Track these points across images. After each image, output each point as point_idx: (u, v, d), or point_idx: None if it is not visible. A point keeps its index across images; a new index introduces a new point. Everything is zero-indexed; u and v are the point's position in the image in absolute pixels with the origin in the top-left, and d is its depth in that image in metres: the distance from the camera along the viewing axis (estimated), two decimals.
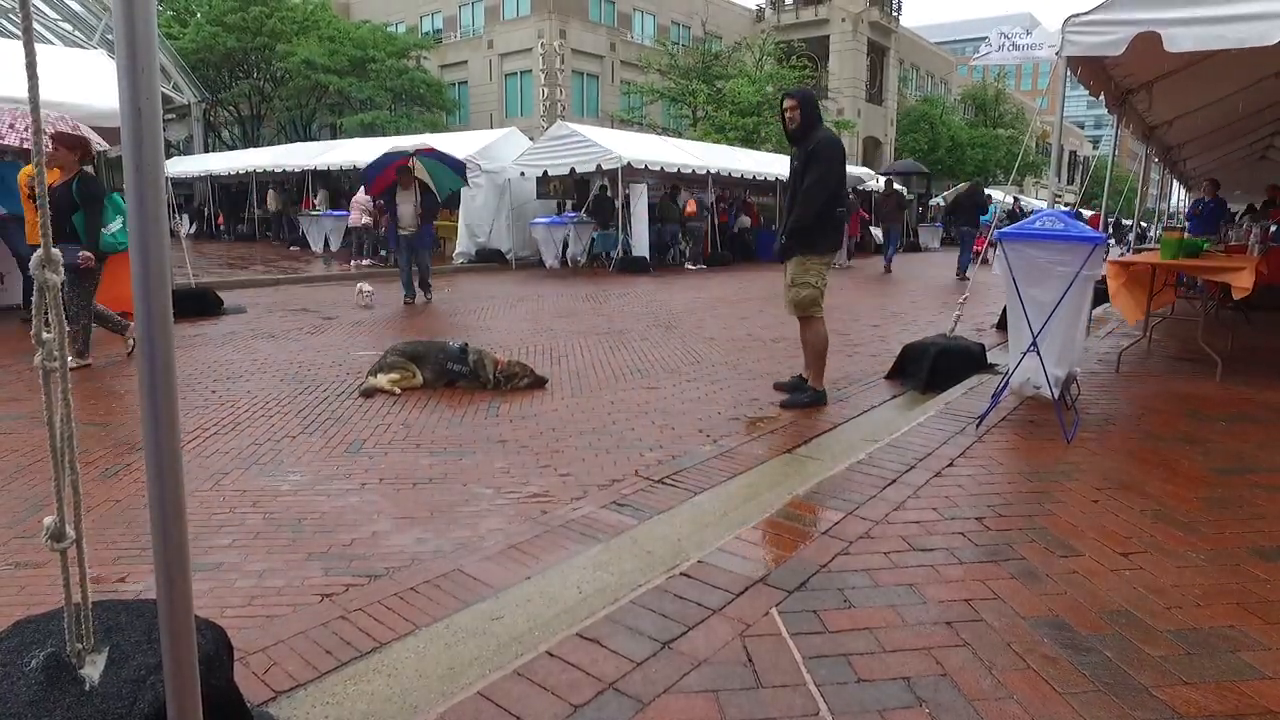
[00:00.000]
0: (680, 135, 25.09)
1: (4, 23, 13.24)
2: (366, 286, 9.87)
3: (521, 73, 32.40)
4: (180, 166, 22.94)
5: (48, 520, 1.48)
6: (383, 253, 15.57)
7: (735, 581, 2.50)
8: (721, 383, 5.70)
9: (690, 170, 16.74)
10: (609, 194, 16.86)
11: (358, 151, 18.54)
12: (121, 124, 1.19)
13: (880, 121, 40.53)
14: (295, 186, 21.02)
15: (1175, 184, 15.17)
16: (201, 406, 4.88)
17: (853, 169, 22.93)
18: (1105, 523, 3.00)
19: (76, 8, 13.29)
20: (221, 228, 23.65)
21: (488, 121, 30.80)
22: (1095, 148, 61.29)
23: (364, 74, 27.86)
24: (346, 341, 7.33)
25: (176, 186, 19.81)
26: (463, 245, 16.36)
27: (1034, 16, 58.84)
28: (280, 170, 20.55)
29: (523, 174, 16.45)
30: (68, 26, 13.54)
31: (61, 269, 1.37)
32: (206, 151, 25.97)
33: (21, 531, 2.98)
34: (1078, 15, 5.28)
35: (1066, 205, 11.45)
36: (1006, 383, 4.53)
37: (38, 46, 1.32)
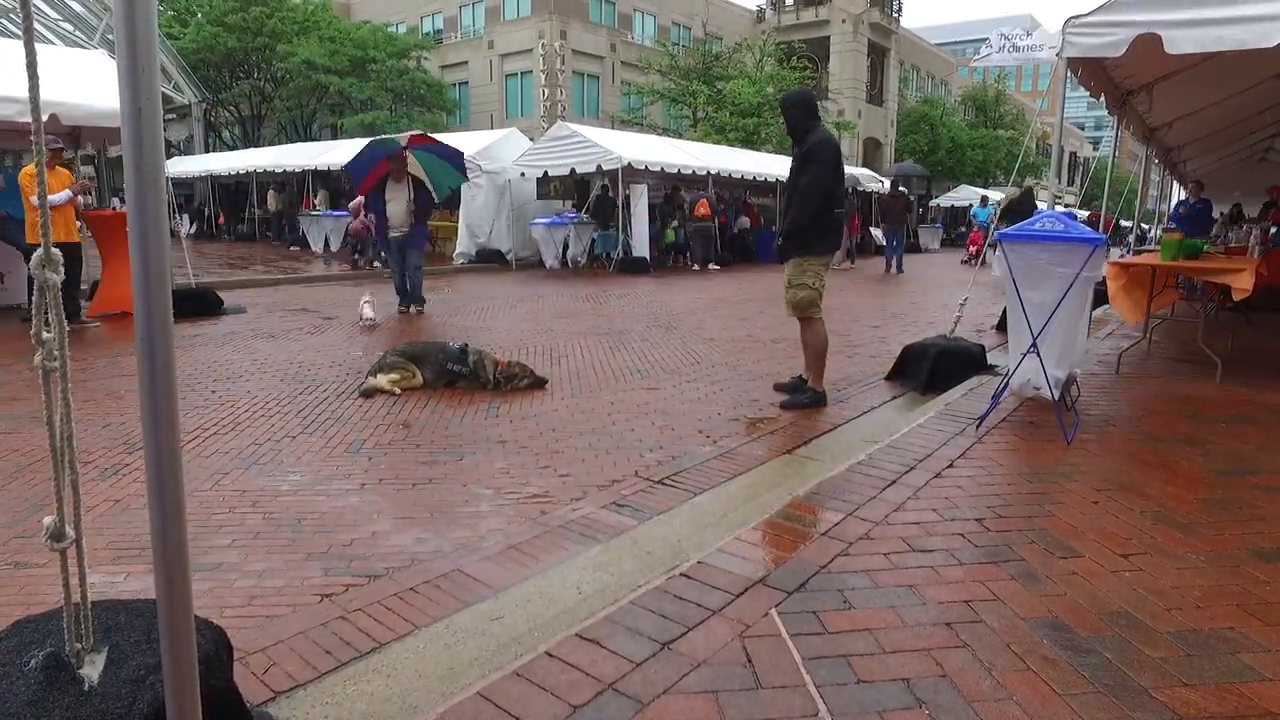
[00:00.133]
0: (680, 136, 25.11)
1: (4, 23, 13.25)
2: (369, 311, 8.26)
3: (522, 73, 32.39)
4: (180, 166, 22.97)
5: (47, 520, 1.48)
6: (356, 257, 15.25)
7: (735, 582, 2.49)
8: (721, 383, 5.70)
9: (690, 171, 16.76)
10: (610, 194, 16.87)
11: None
12: (122, 124, 1.19)
13: (880, 122, 40.53)
14: (295, 187, 21.04)
15: (1175, 185, 15.16)
16: (201, 406, 4.88)
17: (853, 170, 22.97)
18: (1105, 524, 3.00)
19: (77, 8, 13.31)
20: (222, 225, 23.66)
21: (488, 122, 30.80)
22: (1095, 149, 61.32)
23: (364, 74, 27.87)
24: (346, 342, 7.33)
25: (177, 186, 19.84)
26: (463, 245, 16.37)
27: (1034, 18, 58.85)
28: (280, 170, 20.57)
29: (523, 174, 16.47)
30: (68, 26, 13.55)
31: (61, 268, 1.38)
32: (207, 151, 26.01)
33: (21, 531, 2.97)
34: (1078, 17, 5.28)
35: (1066, 206, 11.46)
36: (1006, 384, 4.53)
37: (38, 46, 1.32)
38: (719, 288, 12.90)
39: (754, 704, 1.89)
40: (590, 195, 17.45)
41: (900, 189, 18.14)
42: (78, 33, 13.43)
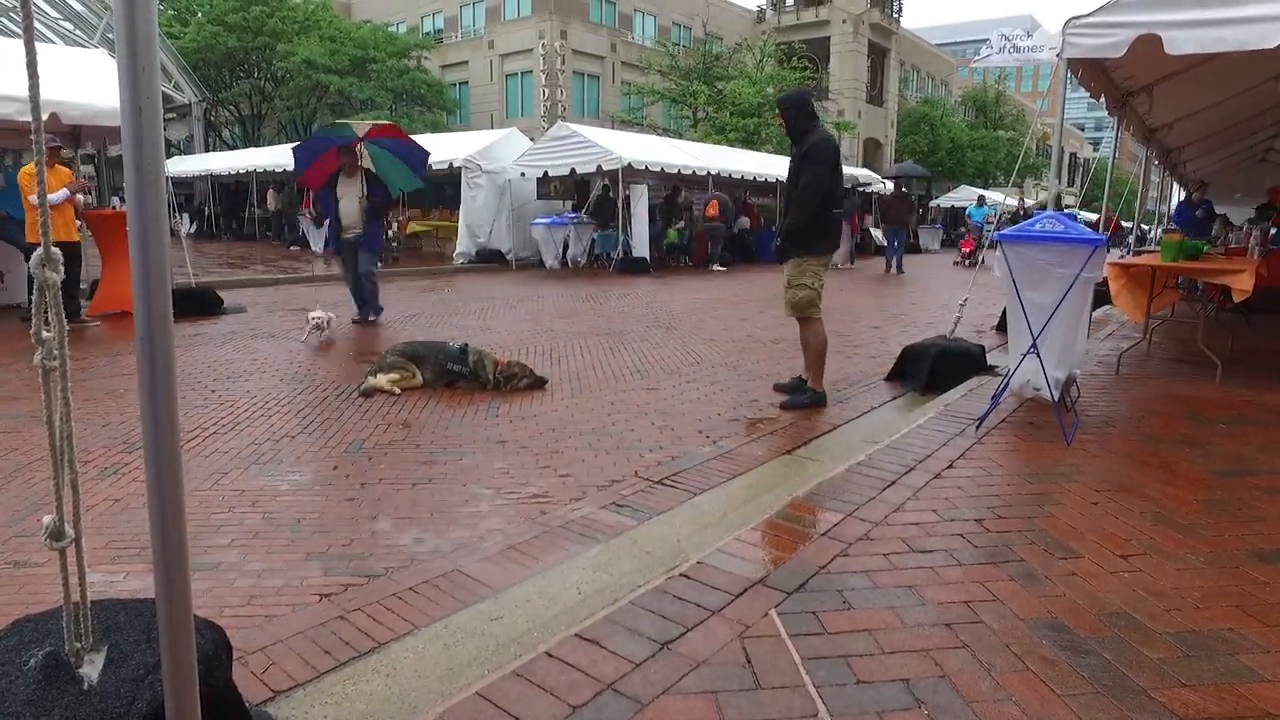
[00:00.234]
0: (681, 136, 25.11)
1: (5, 21, 13.24)
2: (319, 312, 7.11)
3: (522, 73, 32.39)
4: (180, 166, 22.96)
5: (47, 519, 1.48)
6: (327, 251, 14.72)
7: (734, 583, 2.49)
8: (721, 384, 5.70)
9: (690, 171, 16.76)
10: (610, 194, 16.88)
11: None
12: (122, 123, 1.19)
13: (881, 123, 40.54)
14: (295, 186, 21.01)
15: (1175, 186, 15.16)
16: (201, 406, 4.88)
17: (854, 170, 22.98)
18: (1104, 525, 3.00)
19: (78, 7, 13.31)
20: (224, 223, 23.65)
21: (488, 122, 30.81)
22: (1095, 150, 61.32)
23: (365, 74, 27.87)
24: (347, 342, 7.33)
25: (177, 186, 19.82)
26: (463, 245, 16.37)
27: (1035, 18, 58.89)
28: (280, 170, 20.53)
29: (523, 174, 16.46)
30: (69, 25, 13.56)
31: (61, 268, 1.38)
32: (207, 151, 25.98)
33: (21, 530, 2.97)
34: (1078, 17, 5.28)
35: (1067, 208, 11.46)
36: (1006, 384, 4.53)
37: (38, 45, 1.32)
38: (719, 288, 12.90)
39: (753, 704, 1.89)
40: (591, 195, 17.45)
41: (904, 190, 18.18)
42: (78, 31, 13.44)
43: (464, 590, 2.58)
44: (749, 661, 2.07)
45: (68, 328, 1.42)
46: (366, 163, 8.27)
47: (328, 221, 8.48)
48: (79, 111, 7.58)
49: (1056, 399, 4.32)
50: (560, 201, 17.87)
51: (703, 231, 17.38)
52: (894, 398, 5.46)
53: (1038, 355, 4.20)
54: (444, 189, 18.47)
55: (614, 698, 1.92)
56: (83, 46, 12.01)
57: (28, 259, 1.63)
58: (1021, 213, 19.33)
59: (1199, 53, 4.94)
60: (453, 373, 5.42)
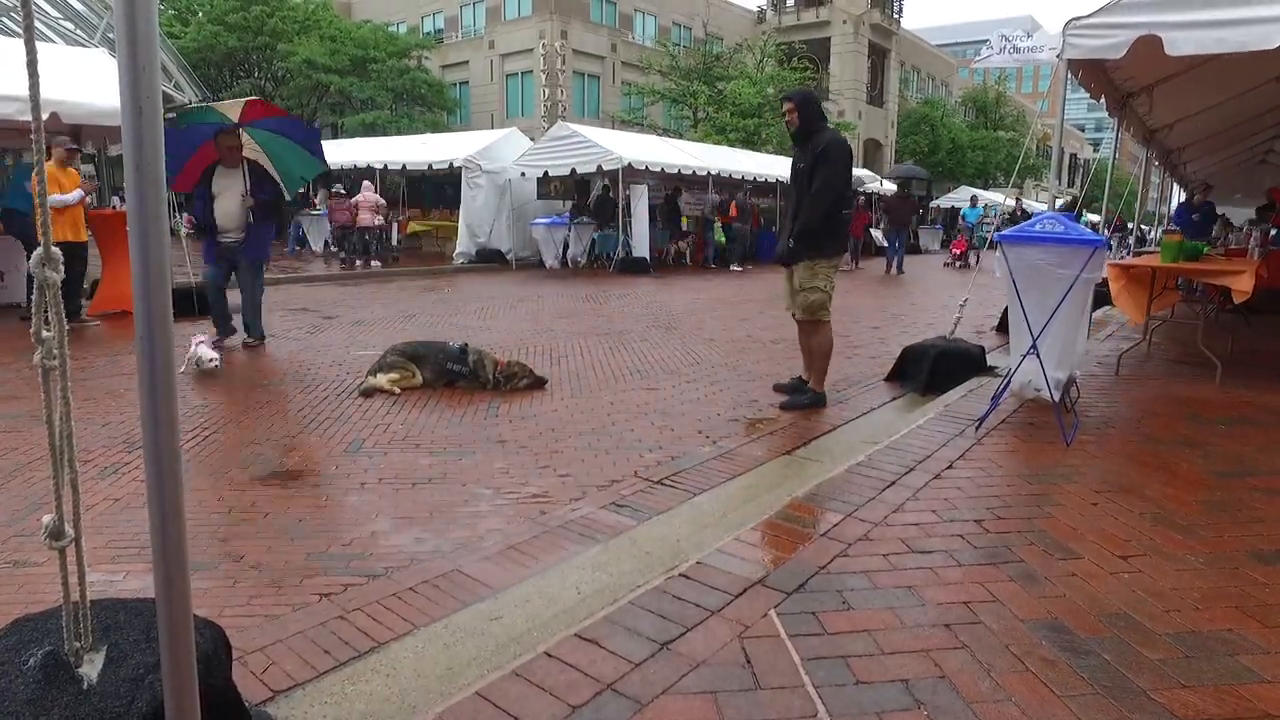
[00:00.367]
0: (681, 136, 25.11)
1: (5, 21, 13.23)
2: (206, 350, 5.73)
3: (522, 73, 32.39)
4: None
5: (46, 519, 1.48)
6: (335, 250, 14.66)
7: (734, 583, 2.49)
8: (721, 384, 5.70)
9: (691, 171, 16.76)
10: (610, 194, 16.88)
11: (359, 152, 18.55)
12: (122, 123, 1.19)
13: (881, 123, 40.54)
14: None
15: (1175, 187, 15.18)
16: (201, 405, 4.88)
17: (855, 171, 22.94)
18: (1104, 525, 3.00)
19: (78, 6, 13.29)
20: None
21: (489, 122, 30.81)
22: (1096, 151, 61.32)
23: (365, 74, 27.87)
24: (346, 341, 7.33)
25: None
26: (463, 245, 16.37)
27: (1035, 19, 58.98)
28: None
29: (523, 174, 16.47)
30: (69, 25, 13.53)
31: (61, 267, 1.38)
32: None
33: (20, 530, 2.97)
34: (1079, 18, 5.29)
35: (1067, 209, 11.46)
36: (1006, 385, 4.53)
37: (39, 45, 1.32)
38: (718, 288, 12.90)
39: (753, 704, 1.89)
40: (591, 195, 17.45)
41: (907, 191, 18.19)
42: (78, 31, 13.42)
43: (464, 590, 2.58)
44: (748, 662, 2.07)
45: (67, 327, 1.42)
46: (253, 152, 6.88)
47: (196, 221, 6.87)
48: (79, 111, 7.58)
49: (1056, 400, 4.32)
50: (560, 201, 17.88)
51: (701, 233, 17.39)
52: (894, 398, 5.46)
53: (1038, 356, 4.21)
54: (444, 189, 18.48)
55: (613, 698, 1.92)
56: (83, 46, 12.01)
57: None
58: (1020, 213, 19.34)
59: (1199, 54, 4.94)
60: (453, 372, 5.42)
